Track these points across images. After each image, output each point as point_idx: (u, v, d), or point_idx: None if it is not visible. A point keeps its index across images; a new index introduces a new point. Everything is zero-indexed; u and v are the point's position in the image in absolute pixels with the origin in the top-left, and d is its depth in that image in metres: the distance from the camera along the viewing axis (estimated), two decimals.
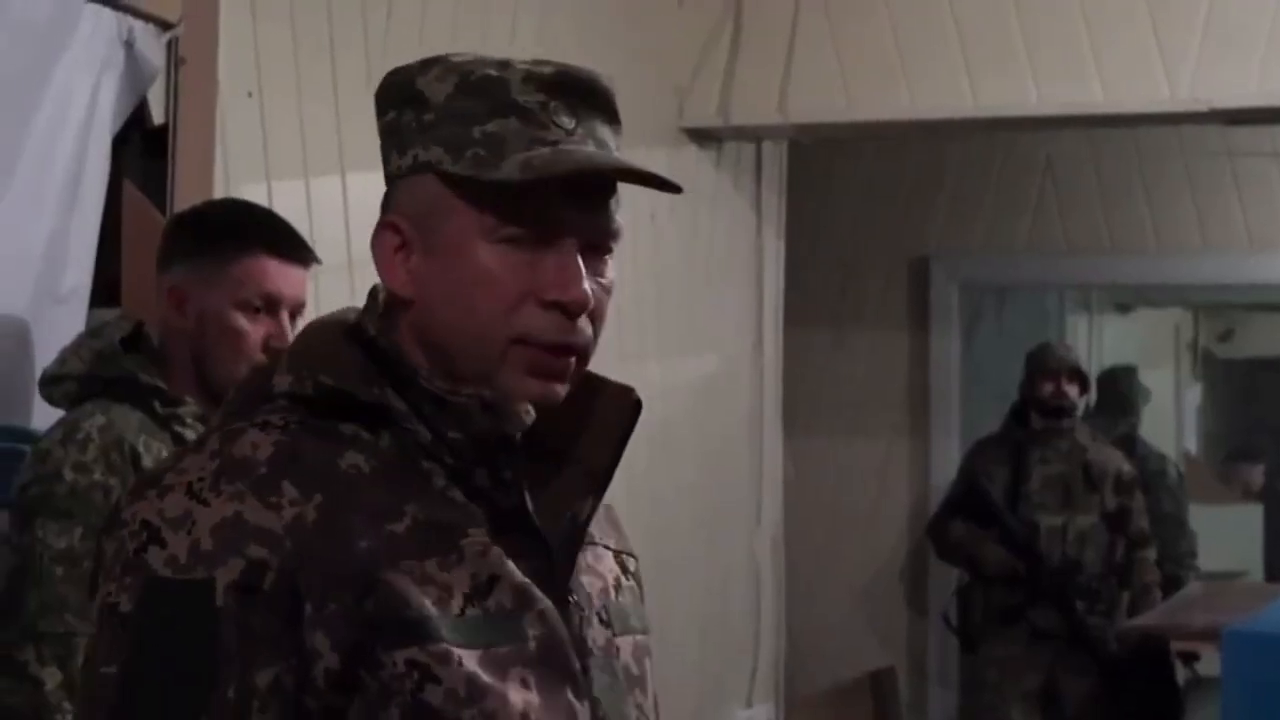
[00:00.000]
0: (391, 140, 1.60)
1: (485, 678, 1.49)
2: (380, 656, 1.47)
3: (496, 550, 1.54)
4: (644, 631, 1.70)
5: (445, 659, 1.48)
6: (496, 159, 1.54)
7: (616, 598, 1.67)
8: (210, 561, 1.46)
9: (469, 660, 1.49)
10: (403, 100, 1.59)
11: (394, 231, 1.58)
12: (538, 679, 1.53)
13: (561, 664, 1.56)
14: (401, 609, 1.48)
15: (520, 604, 1.54)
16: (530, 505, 1.57)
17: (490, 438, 1.56)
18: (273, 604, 1.46)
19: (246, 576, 1.46)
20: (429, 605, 1.49)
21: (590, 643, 1.60)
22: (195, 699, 1.45)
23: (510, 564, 1.54)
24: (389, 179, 1.61)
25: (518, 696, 1.51)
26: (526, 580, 1.55)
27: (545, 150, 1.54)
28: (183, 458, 1.54)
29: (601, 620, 1.63)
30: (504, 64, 1.58)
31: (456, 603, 1.51)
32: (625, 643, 1.65)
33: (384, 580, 1.49)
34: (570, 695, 1.55)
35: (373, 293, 1.63)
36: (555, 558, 1.59)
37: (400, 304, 1.59)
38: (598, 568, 1.67)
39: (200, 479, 1.50)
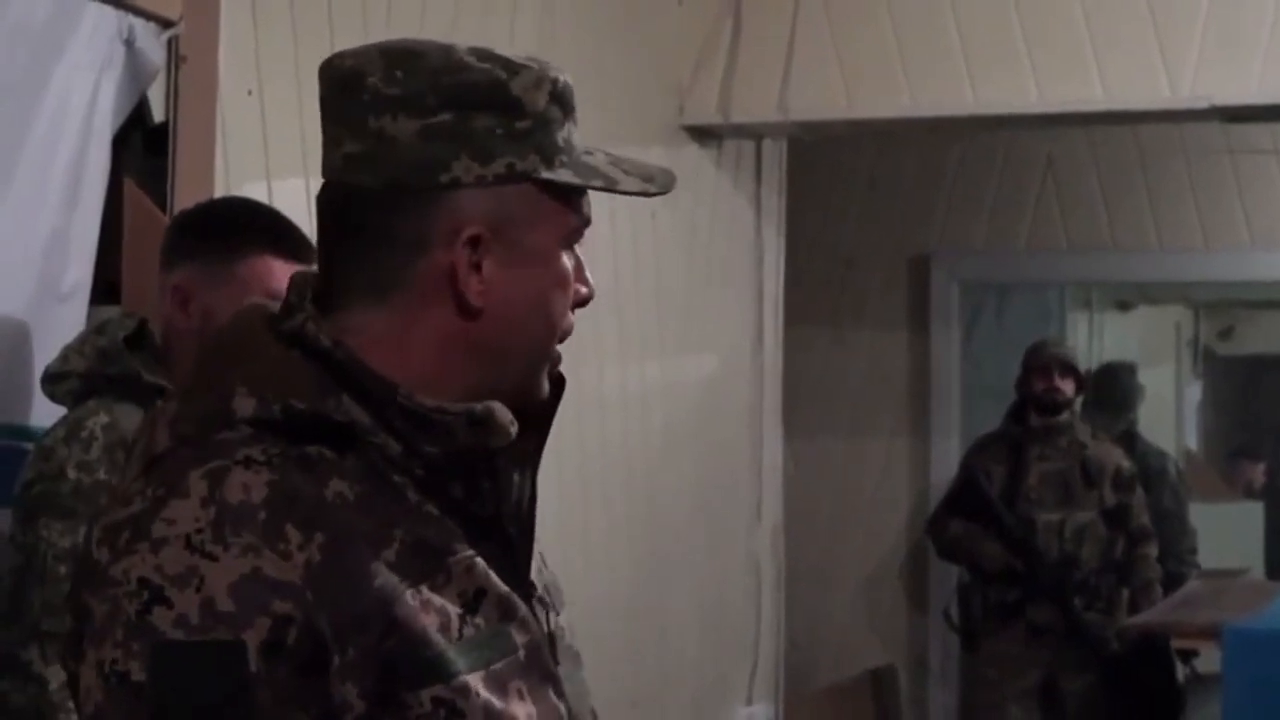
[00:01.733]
0: (460, 145, 1.53)
1: (497, 702, 1.48)
2: (404, 697, 1.44)
3: (480, 564, 1.52)
4: (564, 604, 1.69)
5: (466, 692, 1.46)
6: (582, 166, 1.57)
7: (544, 573, 1.65)
8: (234, 622, 1.40)
9: (481, 686, 1.48)
10: (487, 104, 1.53)
11: (474, 244, 1.53)
12: (529, 687, 1.52)
13: (543, 667, 1.55)
14: (421, 647, 1.45)
15: (505, 615, 1.53)
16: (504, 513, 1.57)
17: (475, 452, 1.54)
18: (298, 659, 1.41)
19: (273, 635, 1.40)
20: (439, 637, 1.47)
21: (554, 635, 1.61)
22: None
23: (493, 576, 1.53)
24: (439, 186, 1.53)
25: (521, 710, 1.50)
26: (506, 589, 1.54)
27: (601, 156, 1.59)
28: (163, 503, 1.45)
29: (544, 603, 1.62)
30: (542, 63, 1.58)
31: (454, 625, 1.49)
32: (564, 620, 1.65)
33: (399, 618, 1.45)
34: (553, 696, 1.55)
35: (298, 290, 1.57)
36: (519, 555, 1.59)
37: (435, 313, 1.54)
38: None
39: (198, 530, 1.42)
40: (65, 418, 2.68)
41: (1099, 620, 6.28)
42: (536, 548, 1.63)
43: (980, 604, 6.43)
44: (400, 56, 1.54)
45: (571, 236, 1.58)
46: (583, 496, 4.82)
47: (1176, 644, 5.97)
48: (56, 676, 2.53)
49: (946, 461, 7.15)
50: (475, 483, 1.55)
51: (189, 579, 1.41)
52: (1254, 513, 9.65)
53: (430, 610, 1.47)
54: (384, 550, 1.47)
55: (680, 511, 5.48)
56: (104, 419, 2.62)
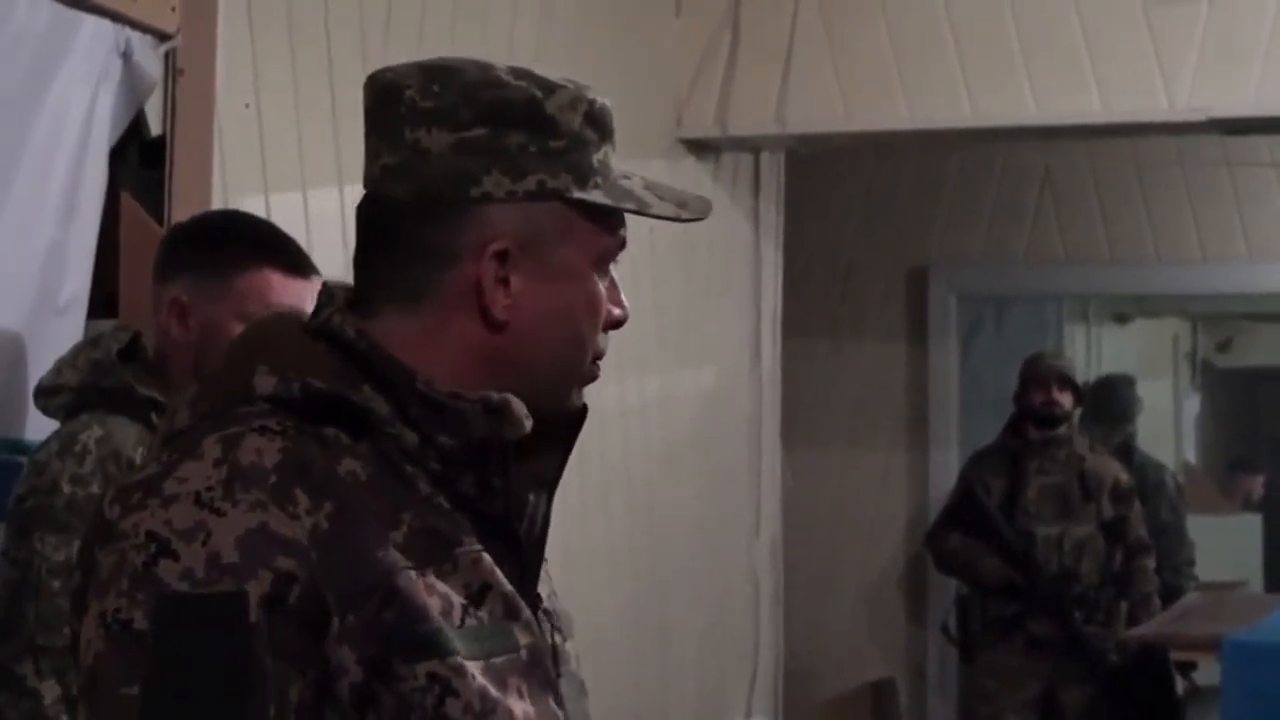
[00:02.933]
0: (493, 160, 1.55)
1: (494, 690, 1.49)
2: (399, 669, 1.45)
3: (487, 559, 1.54)
4: (573, 634, 1.70)
5: (461, 672, 1.47)
6: (616, 188, 1.59)
7: (554, 599, 1.67)
8: (237, 574, 1.42)
9: (478, 673, 1.48)
10: (521, 121, 1.55)
11: (501, 258, 1.55)
12: (529, 688, 1.53)
13: (544, 673, 1.56)
14: (420, 620, 1.46)
15: (509, 613, 1.54)
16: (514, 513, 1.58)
17: (488, 443, 1.55)
18: (298, 618, 1.43)
19: (275, 589, 1.42)
20: (439, 617, 1.48)
21: (558, 649, 1.62)
22: (231, 717, 1.41)
23: (499, 573, 1.54)
24: (470, 200, 1.55)
25: (518, 707, 1.50)
26: (512, 589, 1.55)
27: (638, 180, 1.61)
28: (176, 464, 1.48)
29: (550, 618, 1.63)
30: (579, 85, 1.60)
31: (456, 614, 1.49)
32: (571, 648, 1.66)
33: (400, 590, 1.46)
34: (553, 704, 1.55)
35: (328, 292, 1.60)
36: (527, 564, 1.59)
37: (462, 323, 1.56)
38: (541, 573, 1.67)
39: (209, 488, 1.45)
40: (58, 431, 2.67)
41: (1098, 633, 6.27)
42: (545, 571, 1.64)
43: (979, 617, 6.42)
44: (438, 71, 1.57)
45: (605, 258, 1.60)
46: (582, 509, 4.82)
47: (1175, 656, 5.96)
48: (51, 691, 2.52)
49: (945, 473, 7.15)
50: (487, 478, 1.55)
51: (196, 533, 1.43)
52: (1252, 525, 9.64)
53: (433, 593, 1.49)
54: (391, 531, 1.49)
55: (680, 523, 5.48)
56: (97, 432, 2.61)
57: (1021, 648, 6.31)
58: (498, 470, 1.56)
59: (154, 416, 2.65)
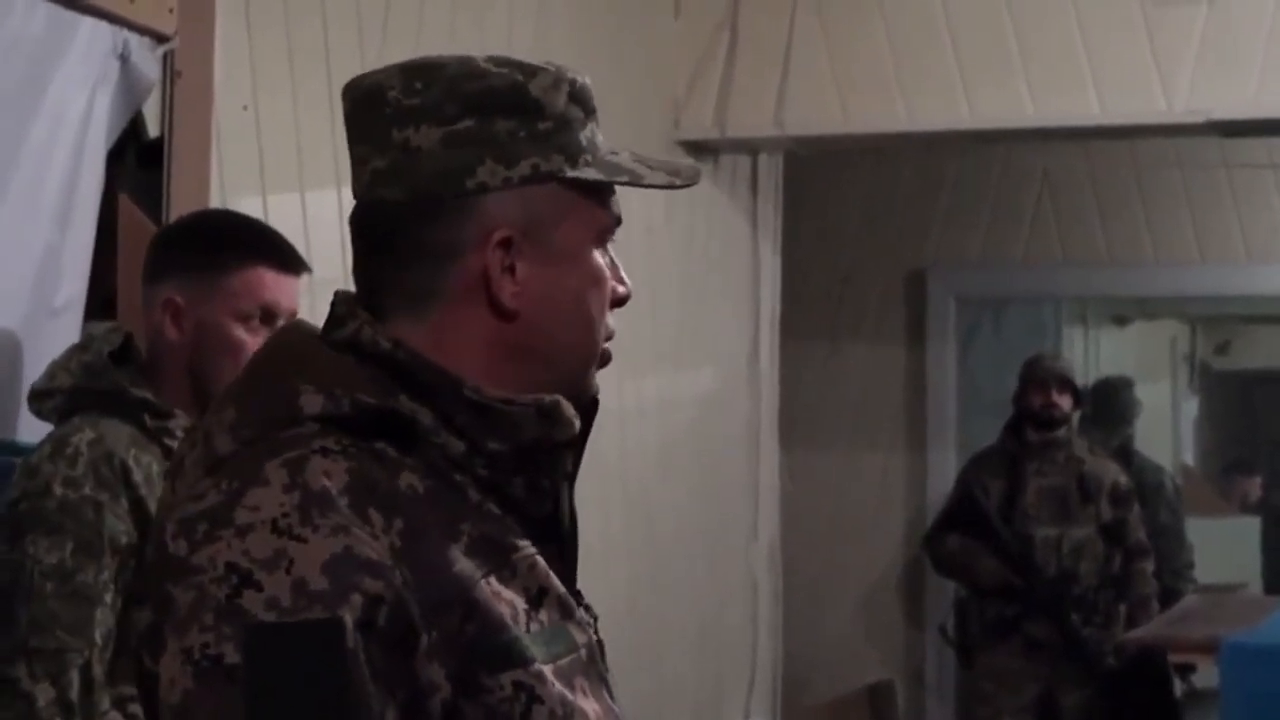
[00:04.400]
0: (484, 150, 1.54)
1: (569, 694, 1.49)
2: (485, 681, 1.44)
3: (541, 562, 1.54)
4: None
5: (542, 679, 1.47)
6: (606, 163, 1.59)
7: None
8: (328, 600, 1.39)
9: (553, 677, 1.49)
10: (507, 108, 1.55)
11: (505, 247, 1.54)
12: (590, 687, 1.53)
13: (598, 669, 1.57)
14: (499, 632, 1.46)
15: (564, 613, 1.54)
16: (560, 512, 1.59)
17: (539, 446, 1.54)
18: (388, 639, 1.41)
19: (366, 613, 1.40)
20: (513, 624, 1.48)
21: (602, 644, 1.62)
22: None
23: (552, 575, 1.55)
24: (466, 192, 1.54)
25: (588, 706, 1.51)
26: (564, 590, 1.55)
27: (626, 154, 1.61)
28: (242, 493, 1.44)
29: (590, 613, 1.63)
30: (559, 67, 1.60)
31: (522, 619, 1.49)
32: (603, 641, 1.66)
33: (479, 602, 1.46)
34: (608, 698, 1.56)
35: (345, 303, 1.58)
36: (568, 562, 1.60)
37: (474, 318, 1.55)
38: None
39: (284, 514, 1.42)
40: (51, 434, 2.67)
41: (1096, 635, 6.27)
42: None
43: (977, 619, 6.42)
44: (419, 69, 1.57)
45: (603, 235, 1.60)
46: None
47: (1174, 659, 5.96)
48: (45, 694, 2.52)
49: (943, 476, 7.15)
50: (537, 480, 1.55)
51: (278, 561, 1.41)
52: (1250, 527, 9.65)
53: (501, 600, 1.48)
54: (455, 543, 1.48)
55: (677, 526, 5.48)
56: (89, 435, 2.61)
57: (1020, 650, 6.30)
58: (547, 471, 1.56)
59: (147, 418, 2.65)
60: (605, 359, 1.63)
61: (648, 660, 5.30)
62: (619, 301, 1.62)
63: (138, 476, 2.58)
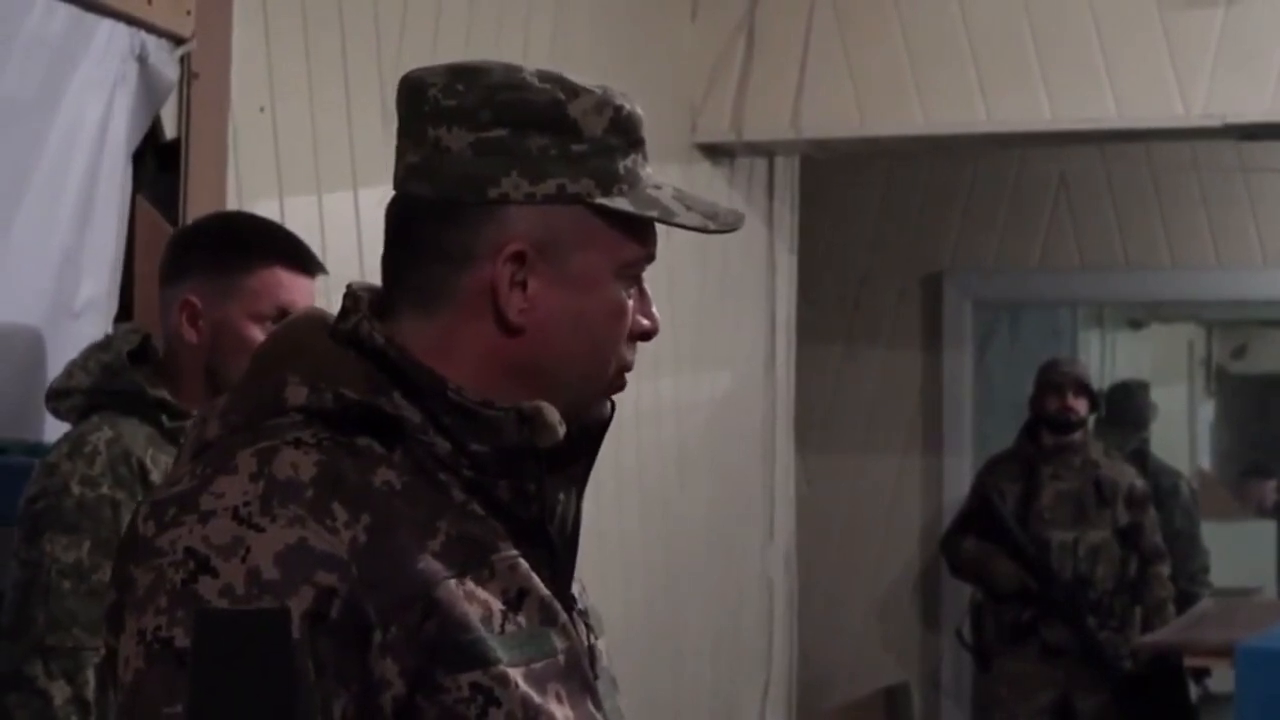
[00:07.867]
0: (512, 162, 1.54)
1: (536, 697, 1.49)
2: (442, 680, 1.45)
3: (524, 564, 1.54)
4: (603, 631, 1.70)
5: (504, 681, 1.47)
6: (642, 196, 1.57)
7: (584, 597, 1.66)
8: (278, 590, 1.41)
9: (520, 680, 1.48)
10: (542, 124, 1.54)
11: (517, 261, 1.54)
12: (568, 692, 1.53)
13: (582, 675, 1.56)
14: (461, 631, 1.46)
15: (546, 618, 1.54)
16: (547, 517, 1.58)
17: (521, 450, 1.54)
18: (340, 633, 1.42)
19: (317, 605, 1.41)
20: (480, 626, 1.48)
21: (595, 650, 1.61)
22: None
23: (535, 578, 1.54)
24: (488, 201, 1.54)
25: (559, 712, 1.50)
26: (548, 593, 1.55)
27: (669, 190, 1.58)
28: (211, 479, 1.47)
29: (584, 619, 1.63)
30: (608, 90, 1.58)
31: (496, 620, 1.49)
32: (603, 645, 1.66)
33: (441, 601, 1.46)
34: (591, 707, 1.55)
35: (352, 296, 1.58)
36: (560, 568, 1.59)
37: (479, 328, 1.55)
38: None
39: (246, 503, 1.44)
40: (69, 433, 2.68)
41: (1112, 639, 6.26)
42: (577, 573, 1.64)
43: (993, 623, 6.42)
44: (464, 71, 1.56)
45: (629, 267, 1.58)
46: (596, 515, 4.80)
47: (1189, 663, 5.95)
48: (61, 692, 2.53)
49: (959, 479, 7.14)
50: (521, 484, 1.55)
51: (235, 549, 1.42)
52: (1266, 532, 9.63)
53: (473, 600, 1.48)
54: (429, 540, 1.48)
55: (693, 529, 5.48)
56: (107, 434, 2.62)
57: (1036, 654, 6.30)
58: (532, 476, 1.55)
59: (164, 418, 2.66)
60: (616, 387, 1.62)
61: (664, 661, 5.31)
62: (643, 335, 1.61)
63: (155, 476, 2.59)
